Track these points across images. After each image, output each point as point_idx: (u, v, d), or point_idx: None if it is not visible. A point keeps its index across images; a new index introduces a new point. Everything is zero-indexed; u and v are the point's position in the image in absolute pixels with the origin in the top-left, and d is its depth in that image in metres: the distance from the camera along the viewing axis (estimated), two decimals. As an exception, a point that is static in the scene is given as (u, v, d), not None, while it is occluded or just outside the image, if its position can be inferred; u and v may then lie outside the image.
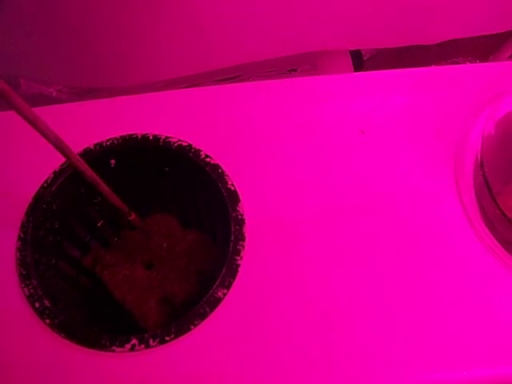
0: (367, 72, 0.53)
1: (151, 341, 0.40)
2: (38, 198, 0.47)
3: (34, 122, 0.34)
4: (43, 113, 0.50)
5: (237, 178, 0.46)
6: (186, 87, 0.71)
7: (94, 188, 0.42)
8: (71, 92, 0.85)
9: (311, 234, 0.45)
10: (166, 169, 0.49)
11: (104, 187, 0.42)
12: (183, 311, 0.45)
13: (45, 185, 0.47)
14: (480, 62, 0.90)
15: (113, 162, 0.49)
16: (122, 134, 0.48)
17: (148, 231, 0.50)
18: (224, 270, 0.42)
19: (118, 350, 0.40)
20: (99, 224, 0.52)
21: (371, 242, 0.44)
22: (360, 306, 0.42)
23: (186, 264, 0.49)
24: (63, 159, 0.47)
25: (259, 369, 0.40)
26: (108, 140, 0.48)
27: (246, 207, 0.45)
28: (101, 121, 0.50)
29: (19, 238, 0.45)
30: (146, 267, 0.50)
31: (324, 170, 0.48)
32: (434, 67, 0.54)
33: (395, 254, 0.44)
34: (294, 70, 0.87)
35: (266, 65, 0.83)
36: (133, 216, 0.46)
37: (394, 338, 0.41)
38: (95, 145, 0.48)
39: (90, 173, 0.40)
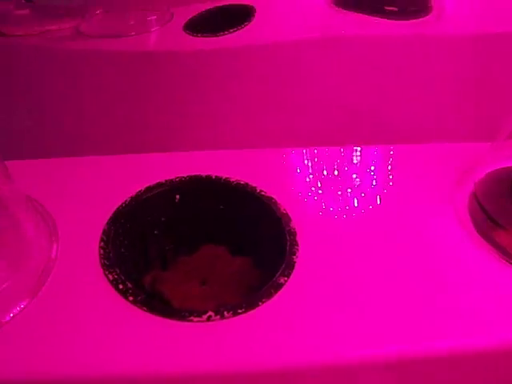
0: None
1: (225, 312, 0.47)
2: (117, 215, 0.55)
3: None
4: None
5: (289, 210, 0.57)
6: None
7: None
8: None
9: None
10: (221, 207, 0.60)
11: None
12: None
13: (122, 206, 0.56)
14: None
15: (177, 197, 0.59)
16: (188, 174, 0.60)
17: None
18: (283, 265, 0.51)
19: (195, 319, 0.47)
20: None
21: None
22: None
23: (237, 282, 0.57)
24: (139, 186, 0.58)
25: (318, 343, 0.46)
26: (177, 178, 0.59)
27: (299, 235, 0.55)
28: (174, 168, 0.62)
29: (101, 240, 0.53)
30: (201, 284, 0.57)
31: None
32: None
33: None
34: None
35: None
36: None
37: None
38: (166, 180, 0.59)
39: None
